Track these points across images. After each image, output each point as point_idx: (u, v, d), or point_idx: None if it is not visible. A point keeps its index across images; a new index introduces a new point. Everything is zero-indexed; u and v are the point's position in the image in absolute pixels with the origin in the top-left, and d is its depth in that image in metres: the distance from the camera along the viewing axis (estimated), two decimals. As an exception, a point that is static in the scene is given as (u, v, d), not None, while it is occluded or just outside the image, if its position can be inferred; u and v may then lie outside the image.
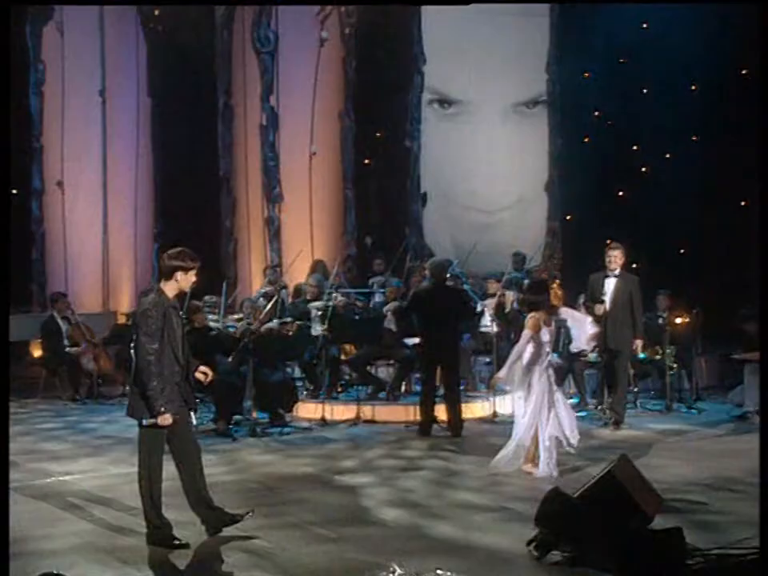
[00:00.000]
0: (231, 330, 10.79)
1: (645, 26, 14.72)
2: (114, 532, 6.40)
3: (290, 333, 10.94)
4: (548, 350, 8.13)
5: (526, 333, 8.01)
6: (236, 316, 11.49)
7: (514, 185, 15.63)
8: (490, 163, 15.39)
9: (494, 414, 10.81)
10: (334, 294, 11.50)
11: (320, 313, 11.00)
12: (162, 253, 15.40)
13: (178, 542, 5.93)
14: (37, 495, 7.56)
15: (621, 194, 14.93)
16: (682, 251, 14.83)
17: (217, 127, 16.15)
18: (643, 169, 14.71)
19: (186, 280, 6.08)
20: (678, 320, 11.72)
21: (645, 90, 14.67)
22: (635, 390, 11.94)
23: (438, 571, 5.39)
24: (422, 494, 7.53)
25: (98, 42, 16.19)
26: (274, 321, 10.84)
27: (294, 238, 15.22)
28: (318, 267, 13.59)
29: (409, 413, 10.49)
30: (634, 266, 14.12)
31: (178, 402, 5.89)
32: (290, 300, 12.38)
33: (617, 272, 10.02)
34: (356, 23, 15.40)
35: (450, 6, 15.01)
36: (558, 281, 15.18)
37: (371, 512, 7.05)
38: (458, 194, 15.53)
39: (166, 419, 5.75)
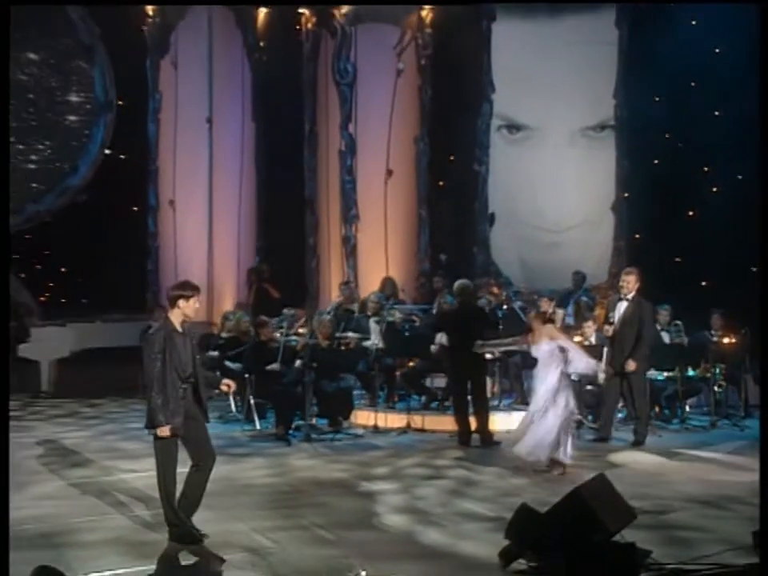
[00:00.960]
0: (293, 342, 11.12)
1: (717, 50, 14.43)
2: (146, 528, 6.81)
3: (349, 346, 11.28)
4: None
5: None
6: (302, 330, 11.85)
7: (581, 205, 15.60)
8: (557, 185, 15.40)
9: None
10: (392, 311, 11.79)
11: (377, 327, 11.40)
12: (262, 265, 15.93)
13: (198, 535, 6.29)
14: (95, 491, 8.01)
15: (691, 213, 14.69)
16: (753, 269, 14.62)
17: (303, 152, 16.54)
18: (714, 189, 14.43)
19: (188, 307, 6.51)
20: (726, 340, 11.63)
21: (717, 113, 14.34)
22: (686, 406, 11.76)
23: None
24: (431, 502, 7.70)
25: (207, 72, 16.70)
26: (336, 334, 11.22)
27: (370, 255, 15.53)
28: (387, 284, 13.84)
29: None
30: (703, 284, 14.27)
31: (182, 414, 6.28)
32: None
33: (629, 296, 10.01)
34: (431, 54, 15.60)
35: (518, 36, 15.19)
36: None
37: (377, 518, 7.27)
38: (525, 214, 15.60)
39: (164, 431, 6.15)
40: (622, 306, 10.00)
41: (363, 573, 5.59)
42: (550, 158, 15.55)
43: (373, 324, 11.80)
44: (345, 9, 15.48)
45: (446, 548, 6.44)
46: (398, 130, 15.80)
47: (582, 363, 8.96)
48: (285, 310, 12.94)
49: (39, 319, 16.45)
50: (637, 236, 15.45)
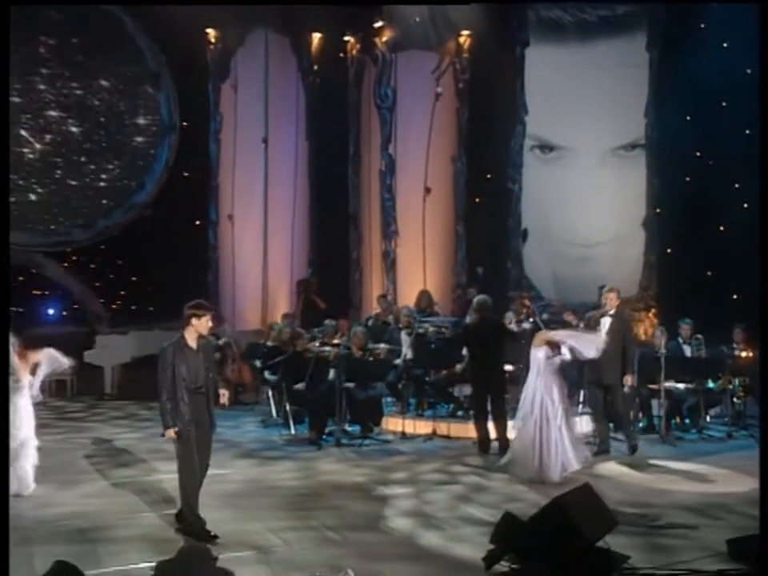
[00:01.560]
0: (327, 353, 11.32)
1: (748, 71, 14.02)
2: (172, 527, 7.07)
3: (380, 356, 11.46)
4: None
5: None
6: (337, 340, 12.01)
7: (612, 221, 15.63)
8: (588, 202, 15.48)
9: None
10: (422, 323, 12.01)
11: (408, 339, 11.66)
12: (310, 277, 16.21)
13: (210, 535, 6.64)
14: (135, 490, 8.32)
15: (722, 228, 14.62)
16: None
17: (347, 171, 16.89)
18: (744, 205, 14.17)
19: (200, 325, 6.96)
20: (744, 354, 11.58)
21: (748, 131, 13.97)
22: (707, 416, 11.76)
23: None
24: (437, 507, 7.84)
25: (263, 95, 17.06)
26: (368, 345, 11.42)
27: (408, 269, 15.77)
28: (423, 296, 13.95)
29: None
30: (734, 297, 14.26)
31: (188, 418, 6.76)
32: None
33: (611, 312, 10.06)
34: (468, 78, 15.79)
35: (550, 61, 15.27)
36: (653, 310, 15.33)
37: (384, 520, 7.44)
38: (557, 230, 15.67)
39: (169, 433, 6.73)
40: (606, 323, 10.01)
41: (351, 572, 5.78)
42: (582, 177, 15.64)
43: (404, 336, 11.96)
44: (386, 37, 15.71)
45: (439, 550, 6.62)
46: (436, 150, 15.98)
47: (591, 351, 9.03)
48: (326, 321, 13.19)
49: (108, 326, 16.99)
50: (668, 250, 15.44)
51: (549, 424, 8.70)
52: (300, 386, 10.81)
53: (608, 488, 7.99)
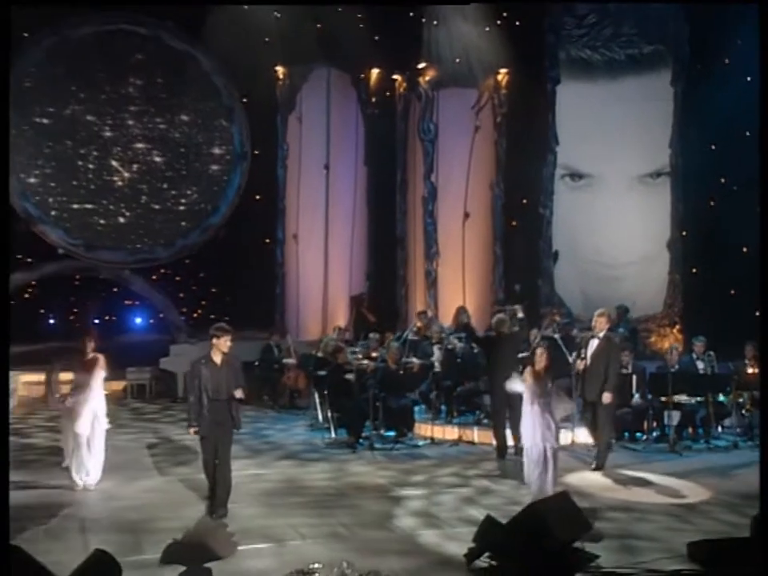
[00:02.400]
0: (365, 365, 11.75)
1: None
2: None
3: (413, 369, 11.81)
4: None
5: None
6: (375, 354, 12.35)
7: (637, 243, 15.67)
8: (615, 225, 15.54)
9: (572, 442, 10.85)
10: (452, 338, 12.22)
11: (439, 353, 12.04)
12: (362, 293, 16.59)
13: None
14: (193, 486, 8.71)
15: (745, 250, 14.46)
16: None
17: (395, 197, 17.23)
18: None
19: (220, 344, 7.73)
20: (750, 370, 11.58)
21: None
22: (718, 428, 11.68)
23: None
24: (444, 508, 8.12)
25: (325, 125, 17.59)
26: (403, 359, 11.77)
27: (449, 287, 16.06)
28: (460, 312, 13.83)
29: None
30: (756, 314, 14.11)
31: (208, 420, 7.59)
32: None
33: (600, 334, 10.01)
34: (507, 113, 16.02)
35: (580, 96, 15.25)
36: (677, 326, 15.36)
37: (392, 519, 7.77)
38: (585, 251, 15.79)
39: (190, 431, 7.73)
40: (594, 343, 9.99)
41: (345, 564, 6.13)
42: (609, 202, 15.75)
43: (436, 350, 12.21)
44: (429, 76, 15.98)
45: (432, 547, 6.97)
46: (476, 178, 16.23)
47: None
48: (370, 335, 13.60)
49: (187, 335, 17.44)
50: (694, 270, 15.47)
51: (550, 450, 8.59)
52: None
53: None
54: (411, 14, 16.11)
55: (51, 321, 18.77)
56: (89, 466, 9.00)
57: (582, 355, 9.95)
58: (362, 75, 17.55)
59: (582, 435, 10.85)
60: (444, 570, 6.54)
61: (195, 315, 18.67)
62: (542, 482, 8.46)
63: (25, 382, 15.25)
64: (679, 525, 7.63)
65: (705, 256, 15.21)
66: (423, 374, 11.89)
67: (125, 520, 7.78)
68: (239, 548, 6.86)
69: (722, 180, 14.95)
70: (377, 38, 16.48)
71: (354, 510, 8.17)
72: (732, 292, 14.45)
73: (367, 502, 8.48)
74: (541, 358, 8.39)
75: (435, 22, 15.97)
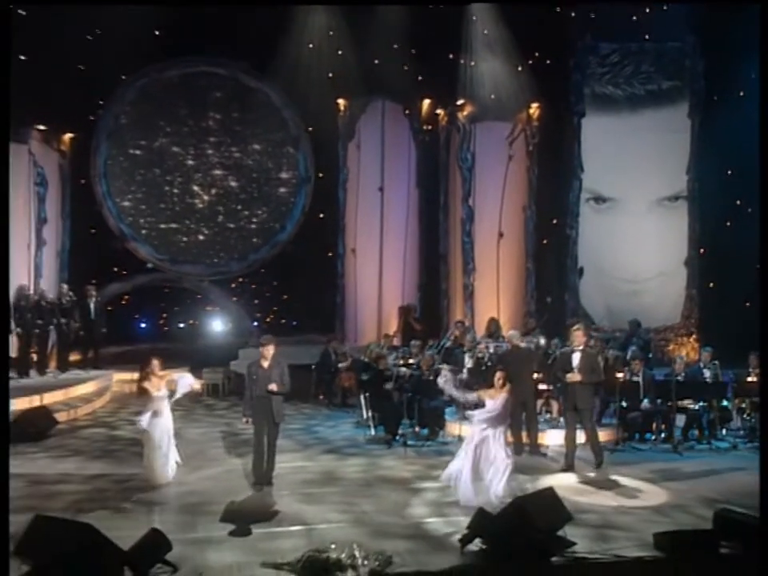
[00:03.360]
0: (402, 372, 12.20)
1: None
2: (264, 502, 8.34)
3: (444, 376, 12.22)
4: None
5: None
6: (412, 361, 12.79)
7: (657, 260, 15.80)
8: (636, 244, 15.67)
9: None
10: (480, 347, 12.68)
11: (469, 360, 12.55)
12: (410, 304, 16.92)
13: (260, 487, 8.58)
14: (242, 475, 9.36)
15: (759, 266, 13.68)
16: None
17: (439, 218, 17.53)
18: None
19: (265, 351, 8.97)
20: (749, 378, 11.82)
21: None
22: (722, 430, 11.84)
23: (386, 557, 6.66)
24: (452, 499, 8.37)
25: (380, 151, 17.87)
26: (435, 366, 12.15)
27: (484, 299, 16.26)
28: (492, 323, 14.57)
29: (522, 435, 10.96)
30: None
31: (258, 413, 8.75)
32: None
33: (581, 347, 10.16)
34: (537, 143, 16.22)
35: (603, 127, 15.35)
36: (694, 336, 15.52)
37: (406, 508, 8.28)
38: (608, 268, 15.92)
39: (243, 420, 9.02)
40: (576, 357, 10.07)
41: (355, 545, 6.71)
42: (630, 224, 15.89)
43: (467, 357, 12.63)
44: (467, 111, 16.24)
45: (434, 533, 7.52)
46: (509, 201, 16.43)
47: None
48: (412, 342, 13.95)
49: (257, 339, 18.35)
50: (711, 285, 15.56)
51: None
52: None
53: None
54: (451, 56, 16.43)
55: (143, 325, 19.76)
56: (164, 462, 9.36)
57: (568, 368, 10.06)
58: (411, 108, 17.76)
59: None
60: (441, 552, 7.08)
61: (268, 320, 19.28)
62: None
63: (118, 380, 15.77)
64: (653, 517, 8.04)
65: (720, 272, 15.23)
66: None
67: (185, 503, 8.47)
68: (273, 529, 7.54)
69: (738, 202, 14.98)
70: (420, 78, 16.85)
71: (377, 499, 8.70)
72: (747, 304, 14.35)
73: (389, 493, 8.98)
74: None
75: (472, 63, 16.28)
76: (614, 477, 9.78)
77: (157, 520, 7.70)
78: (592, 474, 9.82)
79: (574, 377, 10.00)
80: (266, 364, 8.92)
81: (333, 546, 6.70)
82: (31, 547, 6.36)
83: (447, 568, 6.76)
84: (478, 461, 8.54)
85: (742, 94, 15.09)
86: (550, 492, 7.61)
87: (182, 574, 6.53)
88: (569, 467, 9.95)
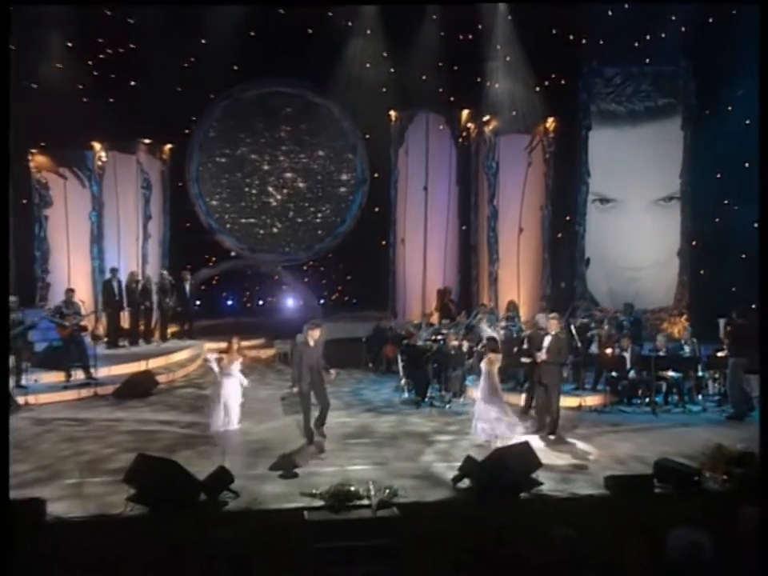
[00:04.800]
0: (430, 345, 12.83)
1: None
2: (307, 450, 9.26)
3: (463, 349, 12.85)
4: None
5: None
6: (440, 336, 13.18)
7: (653, 252, 15.90)
8: (635, 238, 15.80)
9: (579, 406, 11.80)
10: (498, 326, 13.27)
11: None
12: (446, 288, 17.50)
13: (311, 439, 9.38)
14: (297, 427, 9.94)
15: (744, 256, 14.48)
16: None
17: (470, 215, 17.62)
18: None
19: (312, 334, 9.62)
20: (719, 353, 12.17)
21: None
22: (699, 396, 12.16)
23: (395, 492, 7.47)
24: (458, 449, 9.15)
25: (425, 156, 17.87)
26: (457, 341, 12.93)
27: (506, 285, 16.31)
28: (510, 305, 14.93)
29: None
30: (752, 306, 13.76)
31: (307, 383, 9.36)
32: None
33: (552, 332, 10.37)
34: (553, 151, 16.28)
35: (607, 138, 15.41)
36: (684, 316, 15.88)
37: (421, 456, 9.04)
38: (611, 258, 16.06)
39: (293, 388, 9.75)
40: (548, 339, 10.28)
41: (370, 482, 7.62)
42: (630, 221, 16.02)
43: (484, 335, 12.65)
44: (491, 125, 16.28)
45: (436, 474, 8.36)
46: (528, 201, 16.36)
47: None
48: (443, 321, 14.64)
49: (322, 316, 17.27)
50: (701, 272, 15.71)
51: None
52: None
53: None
54: (479, 79, 16.70)
55: (229, 302, 20.61)
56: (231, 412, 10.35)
57: (540, 349, 10.32)
58: (450, 119, 17.78)
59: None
60: (438, 487, 8.02)
61: (333, 298, 20.12)
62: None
63: (208, 349, 15.31)
64: (612, 465, 8.74)
65: (709, 261, 15.32)
66: (470, 353, 12.91)
67: (250, 448, 9.46)
68: (313, 469, 8.47)
69: (725, 202, 15.02)
70: (452, 98, 17.33)
71: (398, 449, 9.45)
72: (733, 290, 14.40)
73: (409, 443, 9.69)
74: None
75: (497, 84, 16.52)
76: (590, 433, 10.34)
77: (226, 460, 8.62)
78: (544, 440, 9.96)
79: (542, 356, 10.26)
80: (312, 344, 9.59)
81: (353, 483, 7.63)
82: (135, 477, 7.57)
83: (440, 499, 7.73)
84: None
85: (729, 108, 15.13)
86: (525, 445, 8.46)
87: (241, 499, 7.67)
88: (539, 429, 10.31)
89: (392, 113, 18.09)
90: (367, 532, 7.20)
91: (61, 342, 13.31)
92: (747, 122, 14.59)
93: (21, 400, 11.77)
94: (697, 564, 5.75)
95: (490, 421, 9.58)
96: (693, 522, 6.09)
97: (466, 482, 8.02)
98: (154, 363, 14.47)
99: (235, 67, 18.17)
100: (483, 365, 9.98)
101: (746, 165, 14.57)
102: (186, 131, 19.40)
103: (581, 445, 9.90)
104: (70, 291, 14.03)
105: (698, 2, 14.48)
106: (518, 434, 9.55)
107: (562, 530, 6.06)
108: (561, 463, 8.97)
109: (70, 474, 8.57)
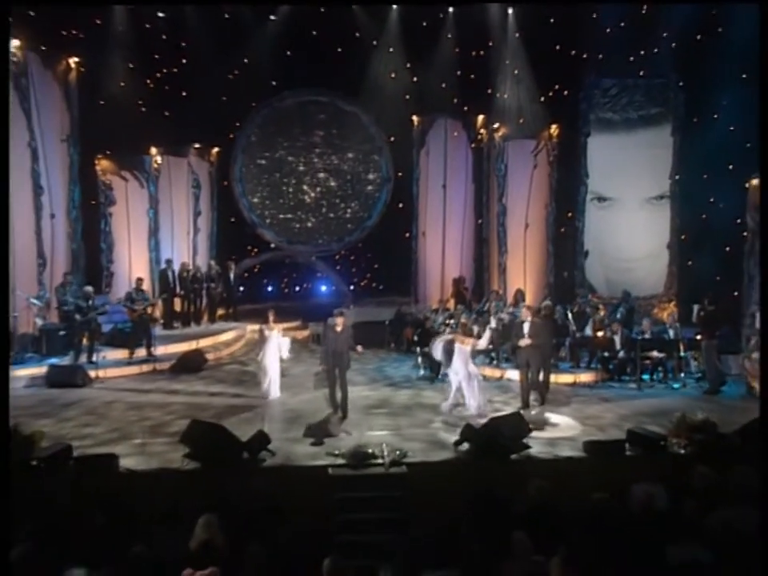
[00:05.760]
0: (443, 328, 13.18)
1: (748, 144, 13.53)
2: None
3: (473, 333, 13.12)
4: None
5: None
6: (450, 321, 13.54)
7: (645, 245, 16.04)
8: (629, 232, 15.94)
9: (574, 382, 12.25)
10: (503, 313, 13.58)
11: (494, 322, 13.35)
12: (461, 277, 17.96)
13: (336, 410, 9.78)
14: (326, 401, 10.35)
15: (728, 249, 14.68)
16: None
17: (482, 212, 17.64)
18: (744, 234, 13.91)
19: (338, 321, 9.93)
20: (698, 336, 12.25)
21: (747, 185, 13.52)
22: (680, 374, 12.33)
23: (402, 452, 8.09)
24: (459, 416, 9.59)
25: (443, 157, 18.02)
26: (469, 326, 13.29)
27: (514, 274, 16.52)
28: (517, 293, 15.13)
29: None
30: (735, 294, 13.71)
31: (331, 363, 9.75)
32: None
33: (528, 320, 10.76)
34: (556, 155, 16.39)
35: (604, 144, 15.49)
36: (673, 302, 16.13)
37: (429, 423, 9.55)
38: (608, 251, 16.22)
39: (321, 367, 10.05)
40: (526, 326, 10.69)
41: (384, 444, 8.28)
42: (625, 217, 16.13)
43: (493, 320, 13.05)
44: (501, 132, 16.46)
45: (442, 439, 8.83)
46: (534, 199, 16.57)
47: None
48: (458, 306, 15.09)
49: (351, 301, 18.63)
50: (689, 263, 15.81)
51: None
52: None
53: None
54: (490, 90, 16.99)
55: (269, 288, 21.08)
56: (269, 385, 10.94)
57: (522, 335, 10.75)
58: (466, 125, 18.01)
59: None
60: (442, 450, 8.58)
61: (362, 284, 20.53)
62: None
63: (250, 330, 15.98)
64: (594, 432, 9.20)
65: (696, 253, 15.45)
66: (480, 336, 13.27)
67: (286, 416, 10.10)
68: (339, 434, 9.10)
69: (711, 200, 15.14)
70: (466, 108, 17.67)
71: (411, 418, 9.95)
72: (718, 278, 14.52)
73: (420, 413, 10.19)
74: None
75: (506, 95, 16.79)
76: (580, 405, 10.75)
77: (265, 425, 9.31)
78: (535, 411, 10.44)
79: (524, 341, 10.70)
80: (338, 329, 9.98)
81: (369, 445, 8.30)
82: (189, 438, 8.28)
83: (442, 459, 8.36)
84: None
85: (715, 116, 15.23)
86: (516, 414, 9.09)
87: (277, 457, 8.36)
88: (524, 405, 10.60)
89: (414, 118, 18.31)
90: (381, 485, 7.89)
91: (128, 324, 14.01)
92: (731, 128, 14.83)
93: (92, 374, 12.58)
94: (651, 511, 6.46)
95: (478, 400, 10.15)
96: (654, 479, 6.76)
97: (465, 446, 8.57)
98: (203, 343, 14.93)
99: (274, 83, 18.81)
100: (456, 344, 10.31)
101: (730, 167, 14.79)
102: (231, 136, 19.93)
103: (569, 415, 10.37)
104: (139, 280, 14.69)
105: (698, 4, 14.45)
106: (476, 406, 9.99)
107: (537, 482, 6.83)
108: (549, 430, 9.51)
109: (137, 436, 9.34)
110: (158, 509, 6.49)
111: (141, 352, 13.86)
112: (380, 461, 8.14)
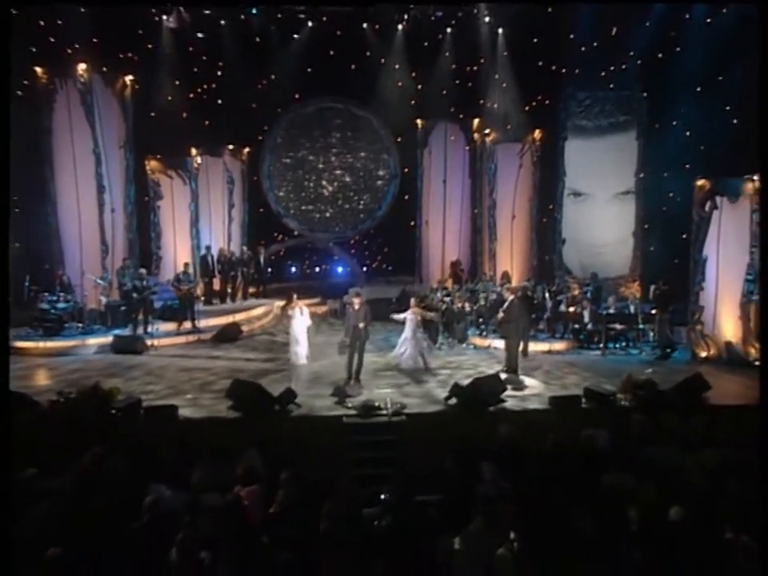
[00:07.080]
0: (440, 304, 13.98)
1: (702, 147, 14.62)
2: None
3: (464, 308, 13.99)
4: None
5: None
6: (448, 298, 14.30)
7: (613, 233, 16.40)
8: (600, 222, 16.33)
9: (549, 350, 12.89)
10: (490, 292, 14.37)
11: (483, 300, 14.36)
12: (458, 260, 18.65)
13: (351, 378, 10.30)
14: (343, 367, 10.73)
15: (684, 236, 14.40)
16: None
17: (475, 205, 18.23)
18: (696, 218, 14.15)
19: (354, 301, 10.31)
20: (654, 311, 12.91)
21: (699, 183, 13.20)
22: (639, 343, 13.02)
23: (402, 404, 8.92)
24: (455, 378, 9.94)
25: (444, 155, 18.40)
26: (461, 302, 14.17)
27: (503, 259, 16.99)
28: (504, 274, 15.85)
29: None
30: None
31: (350, 335, 10.31)
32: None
33: (509, 298, 11.20)
34: (540, 156, 16.78)
35: (579, 146, 15.77)
36: (637, 282, 16.50)
37: (425, 383, 10.28)
38: (582, 238, 16.53)
39: (344, 339, 10.43)
40: (507, 303, 11.12)
41: (388, 399, 9.14)
42: (597, 210, 16.49)
43: (481, 298, 14.29)
44: (491, 137, 16.83)
45: (435, 395, 9.57)
46: (520, 195, 17.00)
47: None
48: (454, 286, 15.62)
49: (364, 281, 19.13)
50: (651, 248, 16.18)
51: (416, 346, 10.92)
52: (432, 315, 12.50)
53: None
54: (481, 100, 17.39)
55: (293, 269, 21.63)
56: (300, 352, 11.64)
57: (503, 310, 11.24)
58: (463, 127, 18.37)
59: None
60: (434, 404, 9.33)
61: (374, 265, 20.91)
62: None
63: (277, 305, 16.22)
64: (560, 391, 9.88)
65: (657, 240, 15.80)
66: (470, 312, 14.17)
67: (310, 378, 10.80)
68: (351, 392, 9.83)
69: (671, 194, 15.44)
70: (461, 116, 18.08)
71: (415, 381, 10.53)
72: (676, 261, 14.51)
73: (422, 376, 10.78)
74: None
75: (495, 104, 17.19)
76: (550, 369, 11.40)
77: (292, 383, 9.96)
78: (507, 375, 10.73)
79: (499, 316, 11.39)
80: (356, 307, 10.39)
81: (375, 400, 9.12)
82: (232, 394, 9.16)
83: (434, 411, 9.24)
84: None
85: (674, 123, 15.57)
86: (495, 376, 9.93)
87: (302, 409, 9.19)
88: (509, 368, 11.08)
89: (418, 121, 18.55)
90: (384, 431, 8.77)
91: (176, 301, 14.83)
92: (688, 133, 15.26)
93: (148, 343, 13.51)
94: (593, 449, 7.47)
95: (412, 353, 11.08)
96: (602, 426, 7.75)
97: (453, 400, 9.36)
98: (238, 317, 15.35)
99: (297, 95, 19.24)
100: (410, 314, 11.15)
101: (687, 166, 14.98)
102: (260, 138, 20.42)
103: (542, 376, 11.18)
104: (186, 264, 15.47)
105: (696, 4, 14.48)
106: (408, 356, 10.98)
107: (505, 427, 7.86)
108: (522, 389, 10.36)
109: (189, 392, 10.23)
110: (211, 446, 7.40)
111: (187, 324, 14.59)
112: (384, 412, 8.95)
